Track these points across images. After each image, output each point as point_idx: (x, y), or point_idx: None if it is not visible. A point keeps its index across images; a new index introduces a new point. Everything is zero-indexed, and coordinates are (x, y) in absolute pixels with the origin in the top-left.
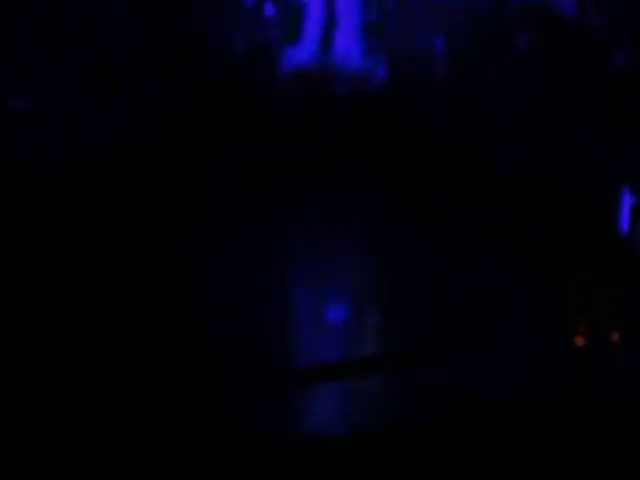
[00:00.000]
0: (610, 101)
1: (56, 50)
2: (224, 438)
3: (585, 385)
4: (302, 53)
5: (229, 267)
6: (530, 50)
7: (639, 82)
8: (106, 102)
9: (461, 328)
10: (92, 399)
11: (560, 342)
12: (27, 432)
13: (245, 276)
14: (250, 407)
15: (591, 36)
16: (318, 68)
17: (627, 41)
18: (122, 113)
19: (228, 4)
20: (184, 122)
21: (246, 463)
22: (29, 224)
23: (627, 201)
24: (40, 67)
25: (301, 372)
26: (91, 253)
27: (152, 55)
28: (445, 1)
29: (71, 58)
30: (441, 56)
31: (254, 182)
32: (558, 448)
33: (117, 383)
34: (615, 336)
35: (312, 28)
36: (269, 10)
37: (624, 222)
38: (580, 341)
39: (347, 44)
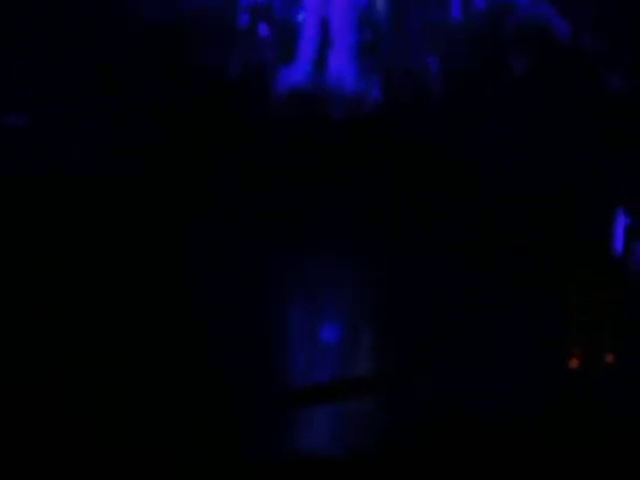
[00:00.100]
0: (604, 123)
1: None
2: (218, 460)
3: (576, 403)
4: (296, 73)
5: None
6: (524, 71)
7: (633, 104)
8: (103, 123)
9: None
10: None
11: (553, 362)
12: (26, 438)
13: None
14: (243, 429)
15: (585, 58)
16: (312, 88)
17: (621, 64)
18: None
19: (223, 24)
20: (171, 150)
21: None
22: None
23: (621, 222)
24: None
25: (293, 394)
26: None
27: (148, 81)
28: (439, 21)
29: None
30: (435, 76)
31: (249, 195)
32: (544, 465)
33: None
34: (609, 357)
35: (306, 48)
36: (263, 30)
37: (618, 242)
38: (574, 363)
39: (341, 64)
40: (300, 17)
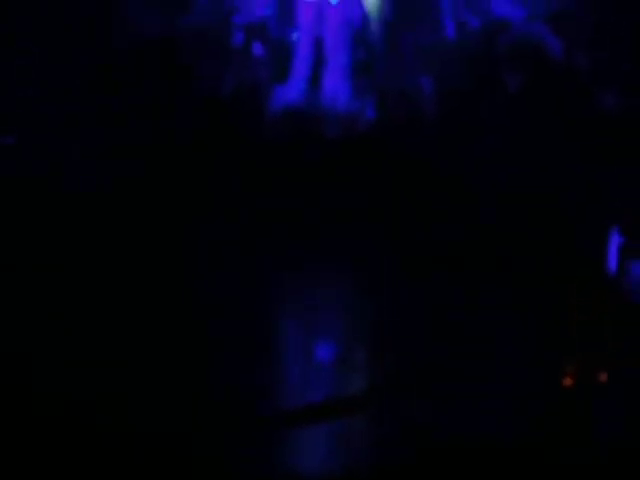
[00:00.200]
0: (598, 141)
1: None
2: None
3: (572, 425)
4: (290, 92)
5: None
6: (518, 89)
7: (626, 122)
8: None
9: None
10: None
11: (548, 383)
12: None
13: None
14: (236, 448)
15: (578, 76)
16: (306, 107)
17: (614, 82)
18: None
19: (217, 43)
20: (168, 167)
21: None
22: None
23: (615, 241)
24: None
25: (286, 414)
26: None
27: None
28: (433, 42)
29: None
30: (429, 96)
31: (245, 211)
32: None
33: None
34: (602, 377)
35: (300, 67)
36: (258, 49)
37: (612, 261)
38: (568, 382)
39: (335, 83)
40: (294, 36)
